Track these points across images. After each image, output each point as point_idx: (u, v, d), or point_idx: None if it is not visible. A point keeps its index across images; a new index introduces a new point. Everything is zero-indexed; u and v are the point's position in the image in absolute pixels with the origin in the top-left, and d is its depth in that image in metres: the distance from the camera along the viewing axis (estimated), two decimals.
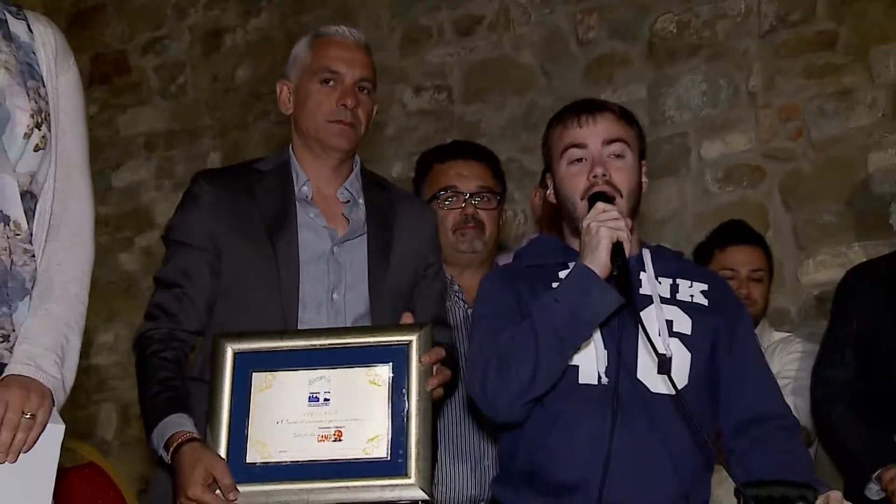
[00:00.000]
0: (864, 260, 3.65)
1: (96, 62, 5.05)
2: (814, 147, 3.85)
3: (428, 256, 2.55)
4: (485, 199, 2.94)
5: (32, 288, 1.94)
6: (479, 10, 4.41)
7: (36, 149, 1.94)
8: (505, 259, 3.10)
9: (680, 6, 4.08)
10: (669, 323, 2.26)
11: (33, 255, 1.95)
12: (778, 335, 3.52)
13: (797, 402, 3.26)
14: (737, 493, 1.98)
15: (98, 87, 5.01)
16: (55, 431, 1.88)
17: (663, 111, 4.06)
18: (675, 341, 2.25)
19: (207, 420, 2.21)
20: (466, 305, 2.88)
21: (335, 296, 2.39)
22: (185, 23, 4.94)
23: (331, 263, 2.41)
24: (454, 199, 2.92)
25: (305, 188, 2.46)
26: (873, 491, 3.00)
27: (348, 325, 2.37)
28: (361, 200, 2.50)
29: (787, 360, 3.40)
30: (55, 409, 1.90)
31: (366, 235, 2.45)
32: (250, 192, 2.44)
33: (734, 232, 3.50)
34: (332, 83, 2.46)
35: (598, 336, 2.22)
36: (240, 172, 2.52)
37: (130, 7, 5.06)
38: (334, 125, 2.45)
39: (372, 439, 2.16)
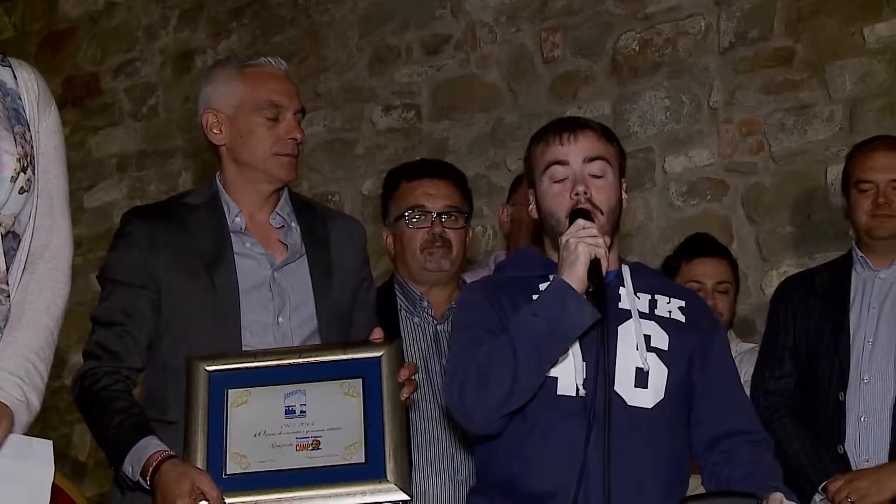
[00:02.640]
0: None
1: (68, 84, 5.07)
2: (774, 160, 3.92)
3: (362, 271, 2.59)
4: (452, 217, 2.95)
5: (4, 326, 1.98)
6: (445, 29, 4.46)
7: (21, 191, 1.99)
8: (472, 275, 3.15)
9: (642, 24, 4.15)
10: (647, 338, 2.30)
11: (8, 296, 1.99)
12: (745, 346, 3.56)
13: None
14: None
15: (70, 109, 5.01)
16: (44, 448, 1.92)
17: (627, 127, 4.12)
18: (652, 356, 2.29)
19: (184, 437, 2.23)
20: (435, 322, 2.92)
21: (281, 319, 2.42)
22: (156, 45, 4.97)
23: (273, 288, 2.43)
24: (422, 218, 2.93)
25: (238, 219, 2.46)
26: (817, 502, 3.03)
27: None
28: (295, 224, 2.51)
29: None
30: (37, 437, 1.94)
31: (305, 257, 2.48)
32: (184, 227, 2.44)
33: (700, 245, 3.54)
34: (276, 117, 2.46)
35: (576, 348, 2.25)
36: (170, 208, 2.52)
37: (101, 30, 5.08)
38: (282, 158, 2.46)
39: (349, 447, 2.21)
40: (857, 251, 3.25)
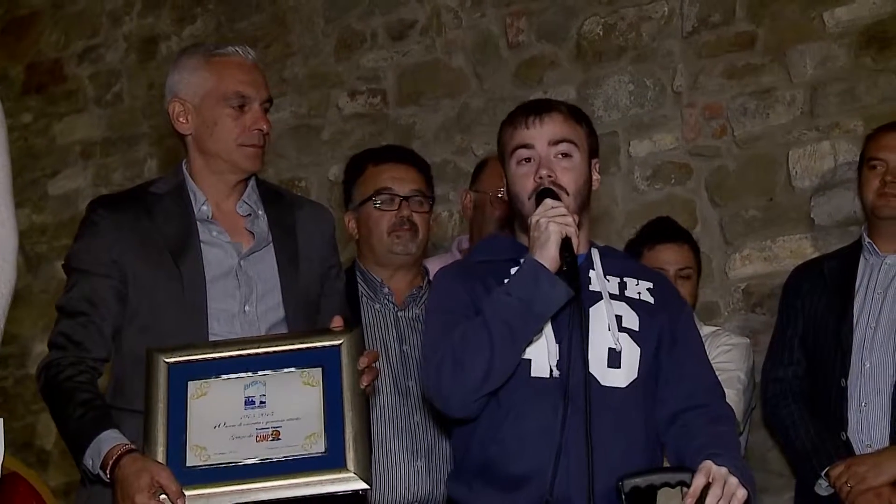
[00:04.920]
0: (789, 253, 3.78)
1: (31, 71, 5.03)
2: (737, 144, 3.94)
3: (330, 258, 2.60)
4: (418, 201, 2.97)
5: None
6: (411, 14, 4.46)
7: None
8: (434, 261, 3.16)
9: (605, 9, 4.16)
10: (619, 318, 2.33)
11: None
12: (708, 329, 3.57)
13: (727, 394, 3.34)
14: (617, 484, 2.06)
15: (33, 95, 4.99)
16: None
17: (592, 111, 4.11)
18: (624, 336, 2.32)
19: (144, 430, 2.22)
20: (396, 308, 2.93)
21: (247, 308, 2.42)
22: (120, 31, 4.93)
23: (240, 277, 2.43)
24: (390, 201, 2.94)
25: (205, 208, 2.47)
26: (822, 487, 3.09)
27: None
28: (261, 212, 2.52)
29: (717, 352, 3.44)
30: None
31: (272, 245, 2.48)
32: (149, 216, 2.44)
33: (662, 230, 3.53)
34: (242, 107, 2.47)
35: (549, 330, 2.27)
36: (136, 197, 2.51)
37: (65, 15, 5.03)
38: (247, 149, 2.47)
39: (309, 436, 2.22)
40: (866, 237, 3.28)
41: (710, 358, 3.39)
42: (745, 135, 3.93)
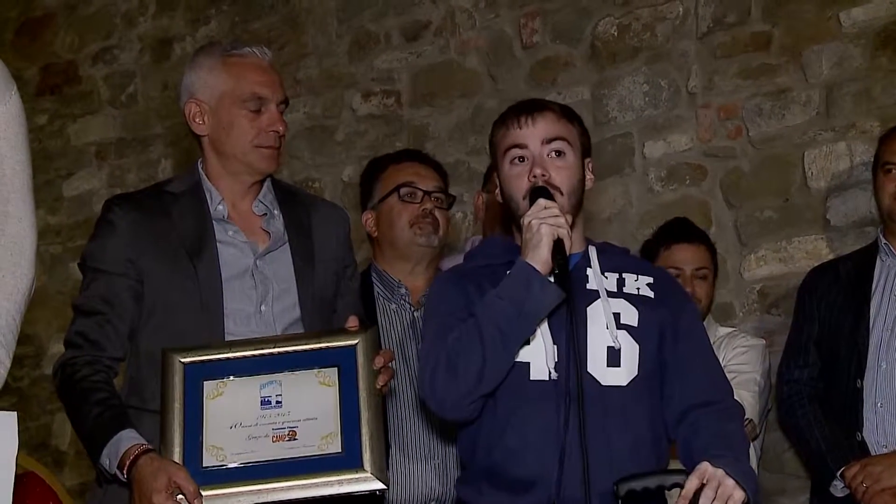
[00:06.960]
0: (805, 254, 3.77)
1: (46, 72, 5.05)
2: (752, 145, 3.93)
3: (345, 258, 2.60)
4: (440, 199, 3.02)
5: None
6: (425, 15, 4.46)
7: None
8: (449, 261, 3.17)
9: (620, 9, 4.15)
10: (617, 315, 2.31)
11: None
12: (723, 330, 3.58)
13: (742, 395, 3.33)
14: (613, 488, 2.05)
15: (48, 97, 5.00)
16: (8, 420, 1.87)
17: (606, 112, 4.13)
18: (623, 333, 2.30)
19: (160, 431, 2.23)
20: (413, 308, 2.94)
21: (263, 308, 2.42)
22: (135, 32, 4.95)
23: (256, 276, 2.43)
24: (413, 194, 2.98)
25: (221, 207, 2.47)
26: (838, 488, 3.09)
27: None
28: (277, 211, 2.52)
29: (733, 354, 3.45)
30: None
31: (287, 245, 2.48)
32: (166, 215, 2.44)
33: (678, 230, 3.54)
34: (259, 108, 2.47)
35: (546, 332, 2.26)
36: (153, 196, 2.51)
37: (79, 17, 5.05)
38: (263, 150, 2.47)
39: (326, 436, 2.22)
40: (882, 238, 3.28)
41: (726, 359, 3.43)
42: (760, 135, 3.92)
